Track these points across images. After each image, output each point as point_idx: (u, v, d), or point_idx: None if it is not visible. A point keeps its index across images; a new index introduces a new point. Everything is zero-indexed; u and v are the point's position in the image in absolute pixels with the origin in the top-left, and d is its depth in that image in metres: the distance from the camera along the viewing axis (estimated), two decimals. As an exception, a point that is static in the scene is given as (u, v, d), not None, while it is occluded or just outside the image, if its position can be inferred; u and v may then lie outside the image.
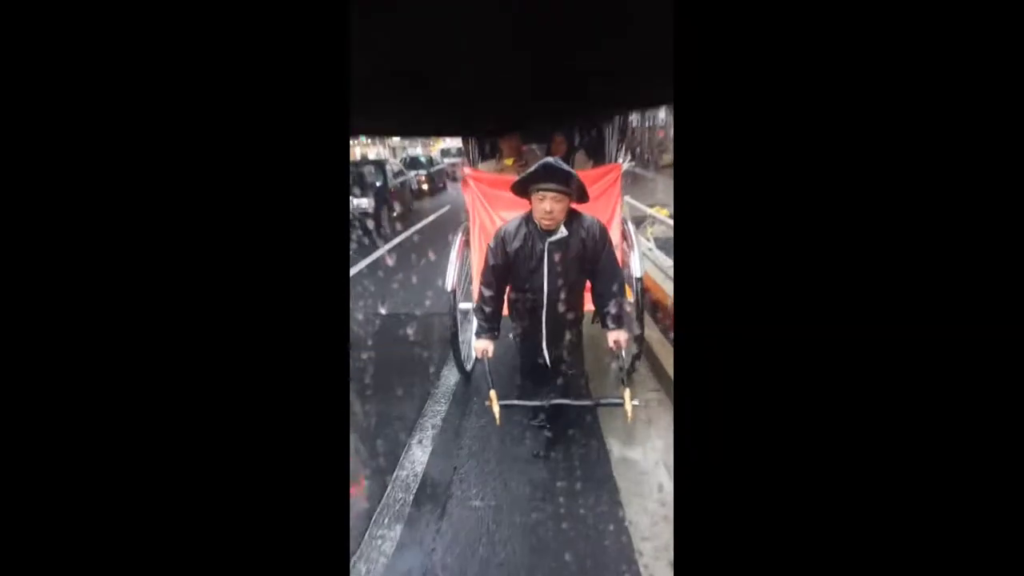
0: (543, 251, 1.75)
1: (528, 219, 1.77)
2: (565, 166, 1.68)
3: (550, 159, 1.69)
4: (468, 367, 2.72)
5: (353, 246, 5.42)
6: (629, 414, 1.62)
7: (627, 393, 1.64)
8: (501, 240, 1.79)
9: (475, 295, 2.33)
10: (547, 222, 1.69)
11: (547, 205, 1.65)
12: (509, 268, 1.81)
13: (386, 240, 6.09)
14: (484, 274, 1.86)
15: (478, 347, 1.87)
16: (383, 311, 3.73)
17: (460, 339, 2.60)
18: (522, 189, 1.74)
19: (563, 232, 1.73)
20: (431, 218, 7.74)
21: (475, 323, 1.94)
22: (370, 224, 6.16)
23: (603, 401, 1.88)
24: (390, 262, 4.70)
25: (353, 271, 4.77)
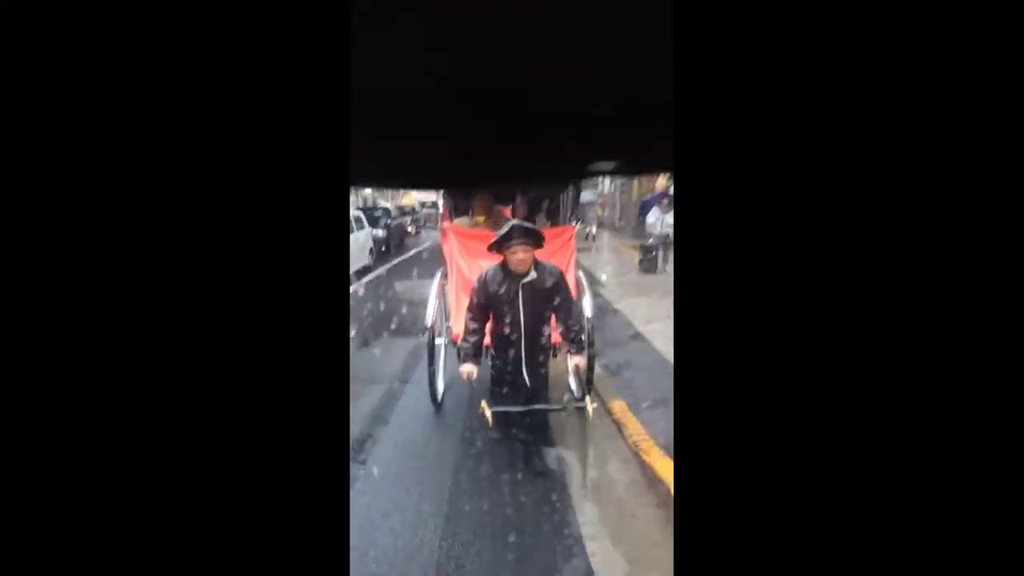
0: (517, 290, 2.22)
1: (503, 266, 2.24)
2: (528, 224, 2.23)
3: (516, 222, 2.23)
4: (439, 398, 3.13)
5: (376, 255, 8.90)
6: (590, 413, 2.17)
7: (588, 399, 2.18)
8: (484, 283, 2.25)
9: (455, 331, 2.85)
10: (522, 268, 2.20)
11: (520, 255, 2.17)
12: (490, 305, 2.25)
13: (393, 257, 9.81)
14: (471, 310, 2.30)
15: (464, 370, 2.28)
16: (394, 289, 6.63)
17: (434, 370, 2.98)
18: (498, 247, 2.21)
19: (533, 275, 2.22)
20: (418, 249, 11.48)
21: (461, 352, 2.33)
22: (383, 247, 10.08)
23: (572, 405, 2.46)
24: (361, 292, 6.54)
25: (375, 274, 7.93)
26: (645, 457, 2.51)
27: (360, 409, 3.20)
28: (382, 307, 5.62)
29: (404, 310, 5.03)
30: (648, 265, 7.68)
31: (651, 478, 2.35)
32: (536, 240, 2.24)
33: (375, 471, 2.53)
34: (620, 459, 2.57)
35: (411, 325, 4.43)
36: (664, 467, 2.37)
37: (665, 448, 2.53)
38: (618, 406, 3.04)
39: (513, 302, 2.26)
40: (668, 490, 2.17)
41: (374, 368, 3.90)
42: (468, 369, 2.30)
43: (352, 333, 4.56)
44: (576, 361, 2.32)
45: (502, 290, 2.25)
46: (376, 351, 4.26)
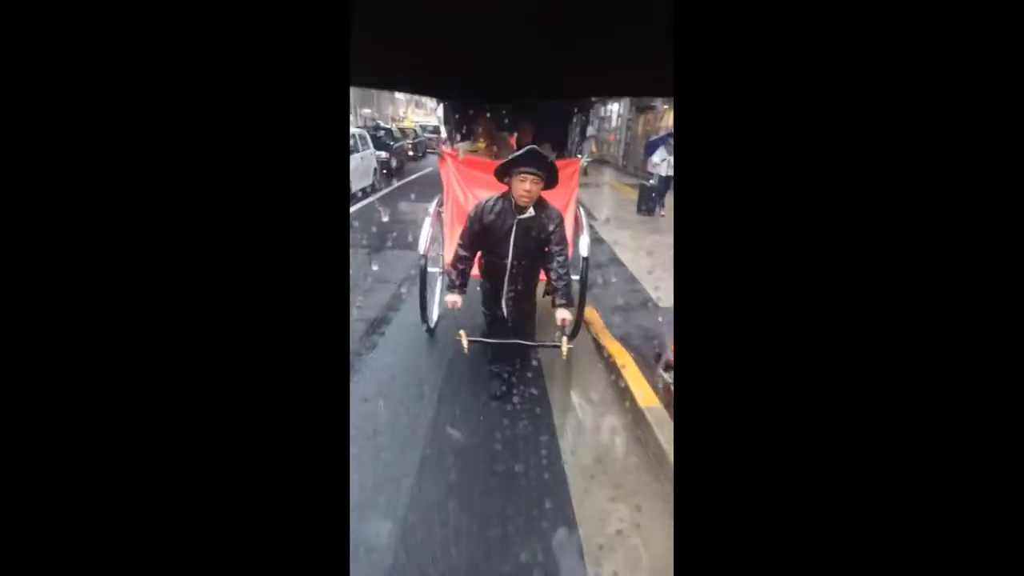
0: (512, 226, 2.12)
1: (505, 197, 2.12)
2: (544, 154, 2.04)
3: (534, 146, 2.04)
4: (432, 324, 3.12)
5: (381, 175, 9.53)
6: (564, 353, 2.16)
7: (564, 339, 2.17)
8: (480, 211, 2.15)
9: (446, 260, 2.79)
10: (525, 199, 2.05)
11: (527, 185, 2.02)
12: (483, 236, 2.16)
13: (395, 179, 10.23)
14: (463, 237, 2.21)
15: (449, 299, 2.20)
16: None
17: (428, 299, 2.94)
18: (505, 171, 2.07)
19: (531, 213, 2.10)
20: (420, 174, 11.68)
21: (446, 280, 2.26)
22: (385, 169, 10.35)
23: (547, 343, 2.47)
24: (385, 218, 6.72)
25: (383, 192, 8.47)
26: (605, 342, 2.93)
27: (378, 299, 3.84)
28: (386, 220, 6.19)
29: (408, 232, 5.38)
30: (646, 207, 7.72)
31: (623, 397, 2.56)
32: (548, 174, 2.10)
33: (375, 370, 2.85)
34: (602, 393, 2.72)
35: (414, 242, 4.92)
36: (632, 374, 2.68)
37: (621, 339, 2.98)
38: (590, 313, 3.42)
39: (505, 238, 2.17)
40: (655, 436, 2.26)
41: (386, 272, 4.51)
42: (453, 298, 2.24)
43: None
44: (562, 315, 2.20)
45: (497, 222, 2.16)
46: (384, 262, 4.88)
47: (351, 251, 5.42)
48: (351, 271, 4.60)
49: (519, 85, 2.15)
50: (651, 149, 8.75)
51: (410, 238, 5.06)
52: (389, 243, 5.25)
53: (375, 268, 4.60)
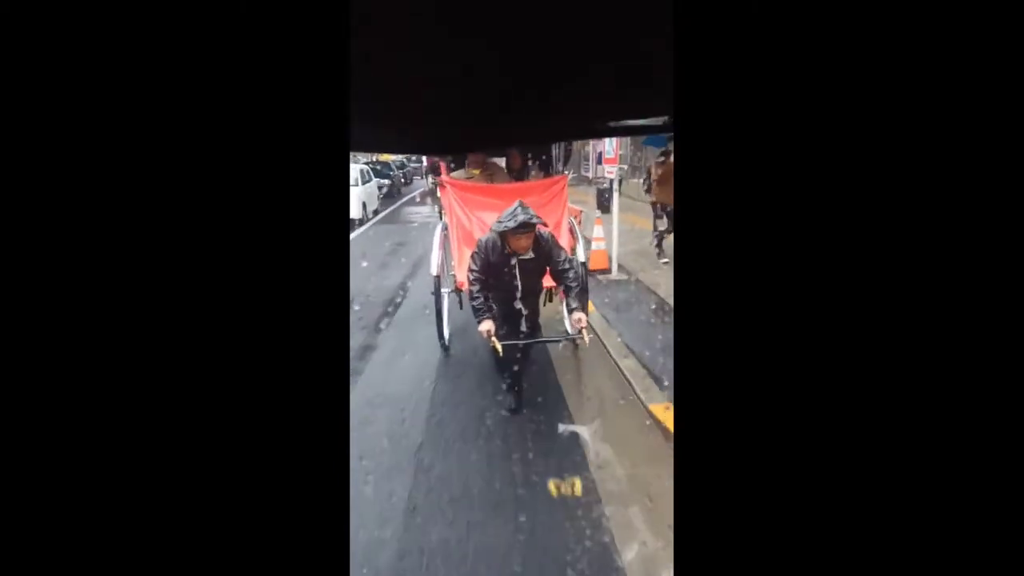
0: (515, 264, 2.43)
1: (504, 242, 2.39)
2: (532, 217, 2.31)
3: (521, 216, 2.28)
4: (446, 342, 3.30)
5: (383, 197, 12.26)
6: (586, 342, 2.50)
7: (583, 331, 2.46)
8: (485, 251, 2.43)
9: (458, 279, 3.00)
10: (523, 251, 2.38)
11: (523, 242, 2.34)
12: (491, 266, 2.44)
13: (394, 200, 13.70)
14: (475, 262, 2.47)
15: (483, 329, 2.42)
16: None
17: (441, 317, 3.18)
18: (503, 235, 2.33)
19: (531, 255, 2.42)
20: (411, 195, 15.36)
21: (474, 311, 2.47)
22: (385, 192, 13.43)
23: (566, 337, 2.80)
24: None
25: (388, 210, 11.32)
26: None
27: (392, 278, 5.36)
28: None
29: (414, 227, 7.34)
30: (604, 204, 9.68)
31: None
32: (540, 224, 2.38)
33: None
34: (609, 377, 3.09)
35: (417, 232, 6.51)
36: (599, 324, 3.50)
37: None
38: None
39: (510, 272, 2.47)
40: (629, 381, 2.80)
41: (400, 254, 6.27)
42: (486, 327, 2.43)
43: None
44: (576, 317, 2.49)
45: (500, 262, 2.44)
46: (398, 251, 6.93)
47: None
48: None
49: (511, 134, 2.61)
50: (601, 159, 10.74)
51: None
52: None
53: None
